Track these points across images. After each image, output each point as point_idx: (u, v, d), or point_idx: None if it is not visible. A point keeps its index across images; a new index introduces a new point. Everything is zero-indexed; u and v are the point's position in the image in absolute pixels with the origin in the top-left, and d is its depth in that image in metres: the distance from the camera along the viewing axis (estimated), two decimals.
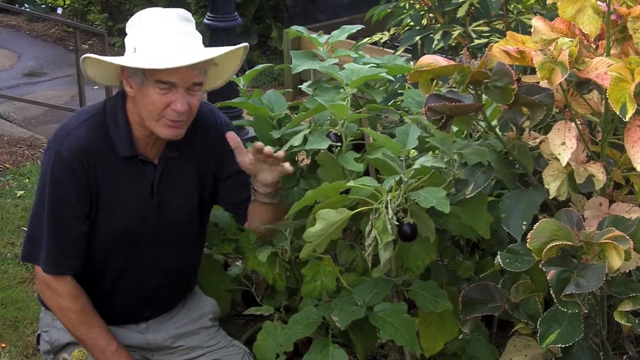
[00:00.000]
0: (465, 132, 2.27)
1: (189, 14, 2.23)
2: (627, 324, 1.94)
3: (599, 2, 1.94)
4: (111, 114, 2.27)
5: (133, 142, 2.27)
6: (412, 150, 2.32)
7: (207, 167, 2.41)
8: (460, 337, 2.45)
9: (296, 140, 2.35)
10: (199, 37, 2.22)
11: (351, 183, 2.15)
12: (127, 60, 2.17)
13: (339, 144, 2.36)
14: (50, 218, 2.25)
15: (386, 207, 2.09)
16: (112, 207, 2.28)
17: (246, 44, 2.32)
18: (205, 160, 2.39)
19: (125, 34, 2.25)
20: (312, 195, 2.17)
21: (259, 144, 2.27)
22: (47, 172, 2.25)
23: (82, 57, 2.22)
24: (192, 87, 2.18)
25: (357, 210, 2.14)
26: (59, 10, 9.13)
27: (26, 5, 9.27)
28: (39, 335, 2.51)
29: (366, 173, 2.45)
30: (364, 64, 2.59)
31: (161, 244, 2.36)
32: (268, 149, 2.25)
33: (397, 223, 2.11)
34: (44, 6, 9.25)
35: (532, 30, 2.05)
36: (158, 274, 2.40)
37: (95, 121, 2.27)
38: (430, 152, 2.30)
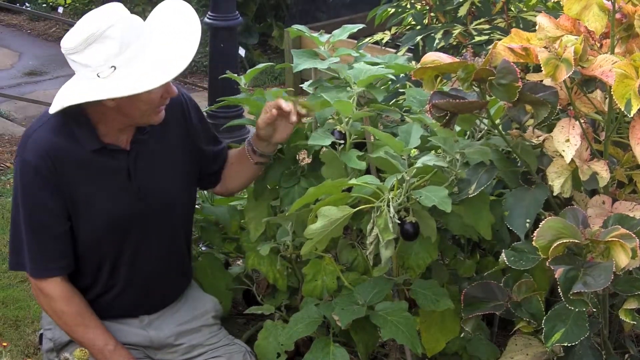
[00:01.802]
0: (467, 132, 2.26)
1: None
2: (632, 322, 1.94)
3: (604, 0, 1.94)
4: (70, 112, 2.19)
5: (97, 135, 2.23)
6: (413, 149, 2.31)
7: (183, 142, 2.40)
8: (461, 336, 2.45)
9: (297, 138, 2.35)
10: (192, 26, 2.18)
11: (353, 181, 2.14)
12: (120, 88, 2.05)
13: (342, 142, 2.36)
14: (27, 224, 2.24)
15: (388, 206, 2.08)
16: (91, 202, 2.26)
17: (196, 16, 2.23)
18: (178, 135, 2.38)
19: None
20: (313, 192, 2.17)
21: (280, 101, 2.30)
22: (17, 181, 2.24)
23: (66, 105, 2.12)
24: None
25: (358, 208, 2.14)
26: (60, 10, 9.13)
27: (27, 5, 9.27)
28: (41, 334, 2.51)
29: (367, 171, 2.45)
30: (365, 63, 2.59)
31: (150, 228, 2.35)
32: (285, 105, 2.29)
33: (399, 222, 2.10)
34: (45, 5, 9.25)
35: (537, 27, 2.04)
36: (152, 259, 2.38)
37: (55, 121, 2.23)
38: (433, 152, 2.29)
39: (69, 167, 2.22)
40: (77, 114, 2.21)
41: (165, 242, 2.41)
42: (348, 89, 2.43)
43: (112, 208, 2.28)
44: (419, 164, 2.11)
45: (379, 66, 2.52)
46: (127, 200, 2.30)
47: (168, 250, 2.43)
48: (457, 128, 2.20)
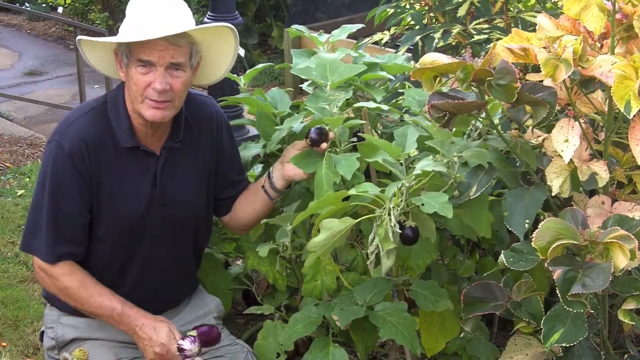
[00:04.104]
0: (465, 132, 2.26)
1: None
2: (630, 322, 1.94)
3: (604, 1, 1.94)
4: (112, 106, 2.29)
5: (134, 133, 2.28)
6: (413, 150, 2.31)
7: (209, 158, 2.43)
8: (461, 336, 2.45)
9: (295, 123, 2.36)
10: (184, 17, 2.22)
11: (352, 191, 2.14)
12: (104, 38, 2.23)
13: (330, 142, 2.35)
14: (50, 209, 2.26)
15: (389, 215, 2.08)
16: (115, 198, 2.29)
17: (228, 24, 2.29)
18: (206, 151, 2.42)
19: None
20: (314, 206, 2.17)
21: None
22: (48, 165, 2.26)
23: (76, 39, 2.27)
24: (172, 67, 2.20)
25: (359, 219, 2.14)
26: (60, 10, 9.14)
27: (27, 5, 9.28)
28: (42, 332, 2.51)
29: (366, 173, 2.45)
30: (364, 63, 2.59)
31: (165, 235, 2.37)
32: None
33: (399, 227, 2.09)
34: (44, 5, 9.26)
35: (537, 27, 2.04)
36: (162, 266, 2.40)
37: (97, 113, 2.29)
38: (431, 156, 2.29)
39: (102, 160, 2.26)
40: (117, 104, 2.28)
41: (178, 252, 2.42)
42: (330, 96, 2.40)
43: (132, 209, 2.30)
44: (417, 170, 2.10)
45: (343, 55, 2.52)
46: (148, 204, 2.32)
47: (179, 260, 2.43)
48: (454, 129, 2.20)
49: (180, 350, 2.21)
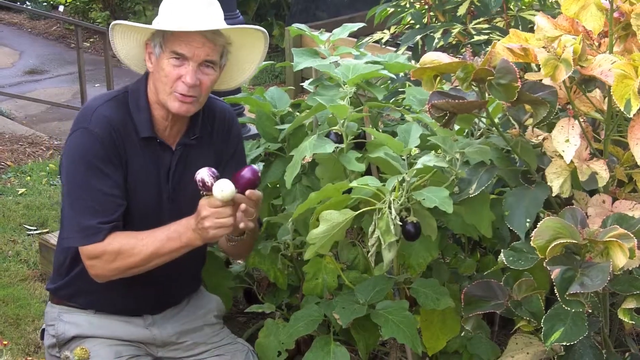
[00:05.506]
0: (467, 130, 2.26)
1: None
2: (630, 321, 1.94)
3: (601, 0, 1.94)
4: (133, 97, 2.31)
5: (153, 124, 2.30)
6: (414, 148, 2.31)
7: (219, 156, 2.44)
8: (462, 335, 2.45)
9: (307, 151, 2.33)
10: (220, 14, 2.28)
11: (354, 183, 2.14)
12: (144, 25, 2.25)
13: (341, 145, 2.35)
14: (85, 191, 2.22)
15: (389, 208, 2.08)
16: (131, 189, 2.29)
17: (263, 29, 2.35)
18: (217, 151, 2.43)
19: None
20: (315, 197, 2.17)
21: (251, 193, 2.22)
22: (76, 152, 2.24)
23: (111, 24, 2.29)
24: (204, 64, 2.24)
25: (360, 211, 2.14)
26: (61, 8, 9.15)
27: (28, 3, 9.28)
28: (43, 329, 2.51)
29: (367, 171, 2.45)
30: (366, 62, 2.59)
31: None
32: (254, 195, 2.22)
33: (401, 222, 2.10)
34: (45, 4, 9.26)
35: (535, 27, 2.04)
36: (169, 263, 2.36)
37: (118, 102, 2.31)
38: (433, 152, 2.29)
39: (127, 146, 2.27)
40: (138, 94, 2.30)
41: None
42: (340, 89, 2.43)
43: (146, 201, 2.31)
44: (419, 164, 2.11)
45: (367, 61, 2.52)
46: (160, 197, 2.33)
47: (186, 257, 2.42)
48: (456, 127, 2.20)
49: (204, 186, 2.15)
